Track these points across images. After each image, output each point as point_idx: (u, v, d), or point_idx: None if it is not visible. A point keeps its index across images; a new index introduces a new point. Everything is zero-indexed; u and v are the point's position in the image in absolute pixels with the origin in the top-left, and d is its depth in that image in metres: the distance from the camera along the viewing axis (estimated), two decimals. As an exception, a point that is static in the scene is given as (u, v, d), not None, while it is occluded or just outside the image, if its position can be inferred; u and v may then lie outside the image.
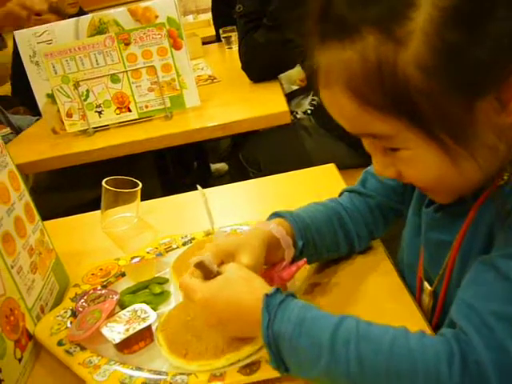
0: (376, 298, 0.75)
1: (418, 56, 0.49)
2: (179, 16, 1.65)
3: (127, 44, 1.67)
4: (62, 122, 1.76)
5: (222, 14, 3.02)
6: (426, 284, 0.73)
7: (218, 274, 0.67)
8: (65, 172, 1.78)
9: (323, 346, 0.56)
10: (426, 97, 0.51)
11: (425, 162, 0.56)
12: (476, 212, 0.61)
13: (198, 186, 0.92)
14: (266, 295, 0.61)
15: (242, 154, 1.95)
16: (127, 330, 0.71)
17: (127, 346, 0.71)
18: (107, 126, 1.77)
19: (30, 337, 0.77)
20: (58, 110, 1.75)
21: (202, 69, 2.39)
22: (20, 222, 0.82)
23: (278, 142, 1.84)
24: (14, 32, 1.67)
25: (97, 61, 1.68)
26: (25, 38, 1.67)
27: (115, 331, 0.71)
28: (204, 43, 2.83)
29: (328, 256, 0.83)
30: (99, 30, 1.67)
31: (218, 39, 3.05)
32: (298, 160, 1.80)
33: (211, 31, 3.25)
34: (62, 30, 1.66)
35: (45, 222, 0.93)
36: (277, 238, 0.74)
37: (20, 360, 0.73)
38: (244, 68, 1.92)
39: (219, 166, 3.13)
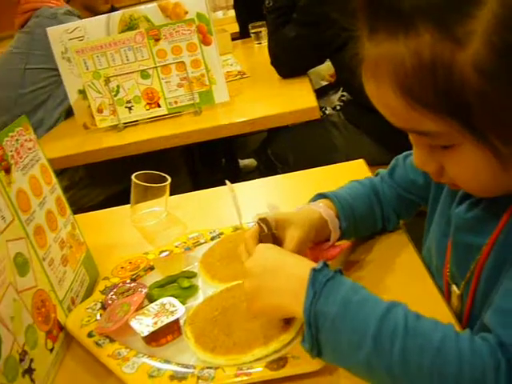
0: (403, 291, 0.74)
1: (477, 57, 0.47)
2: (209, 12, 1.65)
3: (157, 40, 1.68)
4: (93, 118, 1.79)
5: (244, 10, 3.02)
6: (454, 287, 0.71)
7: (275, 234, 0.72)
8: (95, 166, 1.81)
9: (367, 334, 0.53)
10: (482, 100, 0.48)
11: (472, 163, 0.55)
12: (510, 217, 0.60)
13: (227, 182, 0.92)
14: (314, 270, 0.59)
15: (271, 150, 1.95)
16: (155, 323, 0.71)
17: (155, 338, 0.71)
18: (137, 121, 1.78)
19: (61, 328, 0.78)
20: (89, 106, 1.77)
21: (232, 64, 2.40)
22: (51, 215, 0.83)
23: (307, 138, 1.84)
24: (47, 28, 1.70)
25: (127, 57, 1.70)
26: (57, 35, 1.70)
27: (143, 324, 0.72)
28: (233, 39, 2.83)
29: (362, 234, 0.86)
30: (130, 26, 1.68)
31: (242, 35, 3.05)
32: (327, 156, 1.79)
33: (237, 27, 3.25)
34: (94, 26, 1.68)
35: (76, 216, 0.94)
36: (325, 219, 0.78)
37: (51, 350, 0.74)
38: (273, 63, 1.91)
39: (248, 162, 3.13)
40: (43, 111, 2.09)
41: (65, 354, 0.77)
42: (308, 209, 0.79)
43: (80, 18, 2.11)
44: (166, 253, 0.91)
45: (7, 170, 0.74)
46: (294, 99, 1.70)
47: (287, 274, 0.62)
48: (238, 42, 2.99)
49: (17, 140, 0.79)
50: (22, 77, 2.03)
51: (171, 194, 1.15)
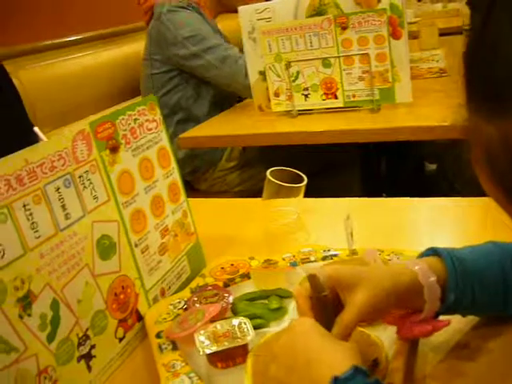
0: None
1: None
2: (403, 3, 1.50)
3: (344, 28, 1.57)
4: (269, 101, 1.76)
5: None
6: None
7: (326, 296, 0.58)
8: (270, 150, 1.80)
9: None
10: None
11: None
12: None
13: (347, 216, 0.79)
14: (336, 379, 0.47)
15: (441, 163, 1.74)
16: (218, 343, 0.64)
17: (213, 360, 0.65)
18: (311, 110, 1.72)
19: (140, 318, 0.76)
20: (267, 88, 1.74)
21: (438, 61, 2.21)
22: (159, 200, 0.81)
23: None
24: (239, 7, 1.70)
25: (311, 43, 1.62)
26: (247, 14, 1.69)
27: (207, 341, 0.65)
28: (444, 34, 2.58)
29: (479, 314, 0.67)
30: (318, 10, 1.61)
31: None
32: None
33: (454, 21, 2.97)
34: (282, 8, 1.64)
35: (204, 200, 0.91)
36: (420, 284, 0.59)
37: (121, 340, 0.72)
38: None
39: (434, 167, 2.88)
40: (179, 112, 2.07)
41: (137, 345, 0.75)
42: (398, 267, 0.62)
43: (188, 9, 1.98)
44: (270, 264, 0.83)
45: (114, 149, 0.73)
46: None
47: (313, 379, 0.50)
48: (451, 37, 2.73)
49: (135, 119, 0.77)
50: (152, 82, 2.05)
51: (337, 191, 1.09)
